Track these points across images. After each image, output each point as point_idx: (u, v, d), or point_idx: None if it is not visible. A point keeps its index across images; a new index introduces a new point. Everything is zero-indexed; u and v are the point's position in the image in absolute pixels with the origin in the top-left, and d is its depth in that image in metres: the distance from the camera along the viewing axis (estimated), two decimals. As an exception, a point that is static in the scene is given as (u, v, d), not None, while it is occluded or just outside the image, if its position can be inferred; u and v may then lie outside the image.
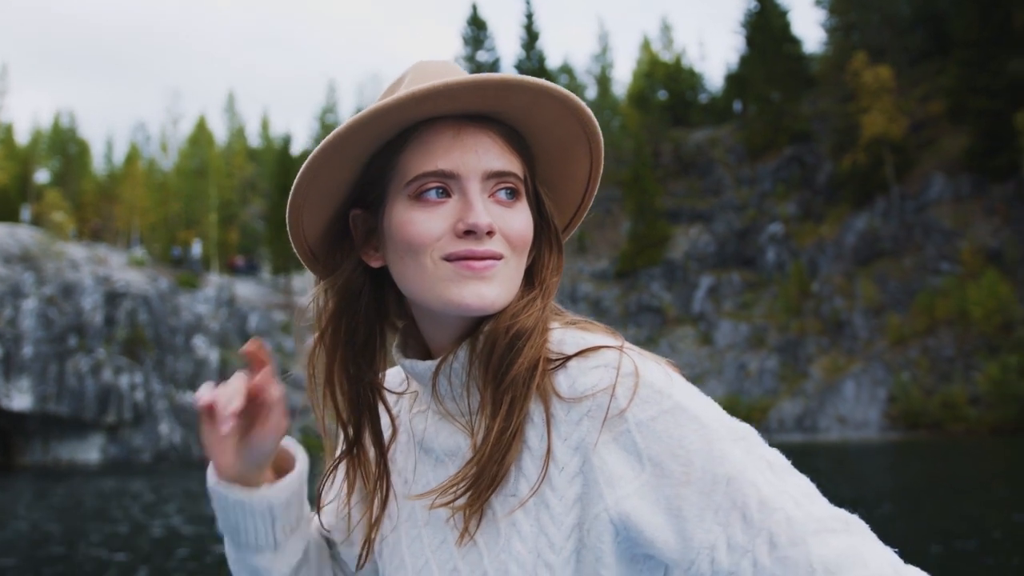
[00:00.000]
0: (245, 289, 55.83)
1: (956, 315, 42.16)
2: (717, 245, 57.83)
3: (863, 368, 44.34)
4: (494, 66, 72.26)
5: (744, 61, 65.31)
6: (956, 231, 46.04)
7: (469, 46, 70.91)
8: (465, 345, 1.04)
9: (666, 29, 79.14)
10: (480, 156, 1.01)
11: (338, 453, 1.15)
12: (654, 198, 59.23)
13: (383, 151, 1.04)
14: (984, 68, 46.97)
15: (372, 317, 1.11)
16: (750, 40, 63.35)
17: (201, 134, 70.15)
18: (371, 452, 1.14)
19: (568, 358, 1.00)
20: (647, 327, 55.16)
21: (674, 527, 0.93)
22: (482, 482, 0.99)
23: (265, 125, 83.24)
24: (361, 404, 1.12)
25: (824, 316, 48.82)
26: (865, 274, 48.46)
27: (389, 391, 1.16)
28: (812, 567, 0.89)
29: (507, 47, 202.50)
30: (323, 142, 0.99)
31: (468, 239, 1.00)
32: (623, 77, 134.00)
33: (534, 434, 1.00)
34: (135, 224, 64.14)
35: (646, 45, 74.27)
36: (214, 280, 54.74)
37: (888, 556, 0.92)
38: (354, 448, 1.13)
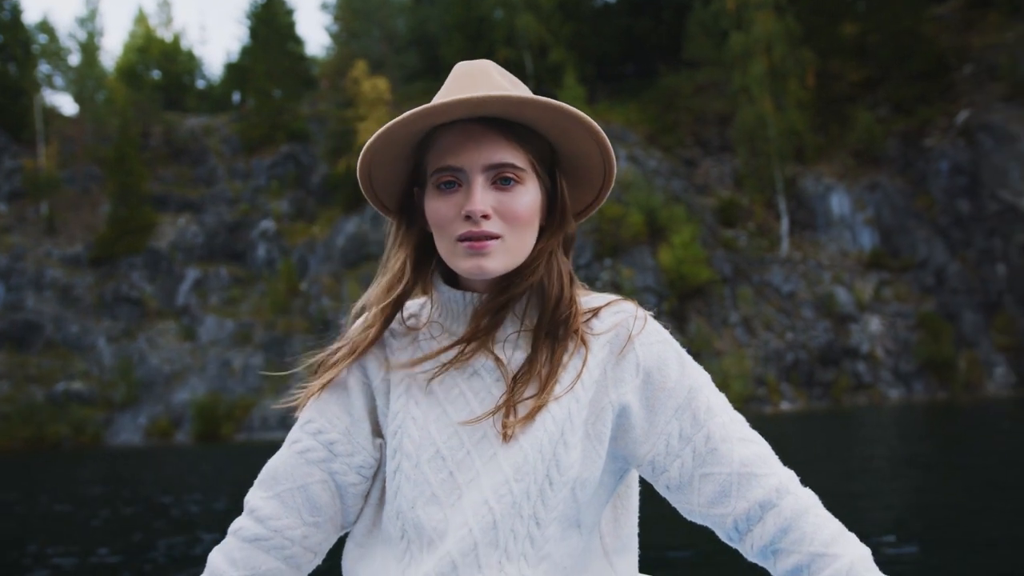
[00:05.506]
0: None
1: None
2: (206, 237, 54.99)
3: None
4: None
5: (246, 52, 63.50)
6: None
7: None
8: (529, 292, 1.35)
9: (165, 5, 74.49)
10: (483, 151, 1.27)
11: (337, 358, 1.50)
12: (140, 181, 54.63)
13: (420, 146, 1.33)
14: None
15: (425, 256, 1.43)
16: (254, 32, 61.79)
17: None
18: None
19: (599, 309, 1.36)
20: (124, 320, 50.61)
21: (647, 416, 1.31)
22: (541, 397, 1.28)
23: None
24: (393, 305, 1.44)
25: (311, 315, 49.02)
26: (352, 276, 49.65)
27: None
28: (733, 460, 1.27)
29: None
30: (372, 136, 1.28)
31: (468, 222, 1.27)
32: (114, 48, 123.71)
33: (571, 358, 1.32)
34: None
35: (142, 18, 68.96)
36: None
37: (790, 472, 1.30)
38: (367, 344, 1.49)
